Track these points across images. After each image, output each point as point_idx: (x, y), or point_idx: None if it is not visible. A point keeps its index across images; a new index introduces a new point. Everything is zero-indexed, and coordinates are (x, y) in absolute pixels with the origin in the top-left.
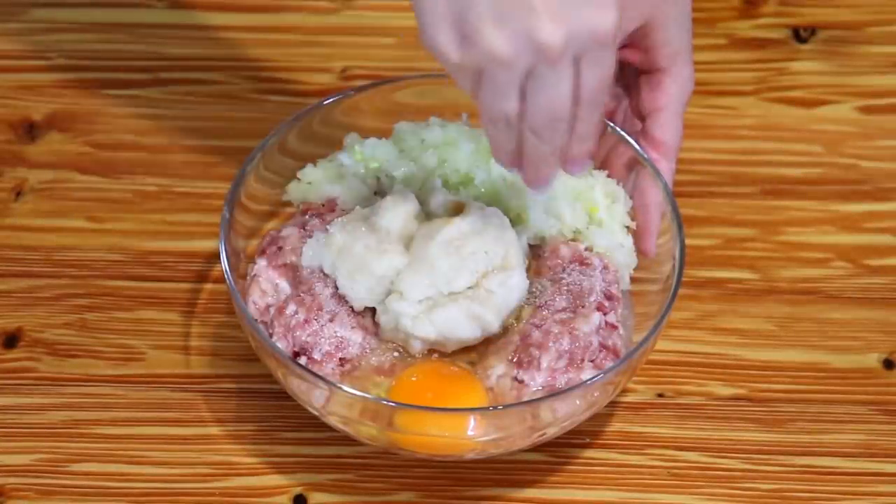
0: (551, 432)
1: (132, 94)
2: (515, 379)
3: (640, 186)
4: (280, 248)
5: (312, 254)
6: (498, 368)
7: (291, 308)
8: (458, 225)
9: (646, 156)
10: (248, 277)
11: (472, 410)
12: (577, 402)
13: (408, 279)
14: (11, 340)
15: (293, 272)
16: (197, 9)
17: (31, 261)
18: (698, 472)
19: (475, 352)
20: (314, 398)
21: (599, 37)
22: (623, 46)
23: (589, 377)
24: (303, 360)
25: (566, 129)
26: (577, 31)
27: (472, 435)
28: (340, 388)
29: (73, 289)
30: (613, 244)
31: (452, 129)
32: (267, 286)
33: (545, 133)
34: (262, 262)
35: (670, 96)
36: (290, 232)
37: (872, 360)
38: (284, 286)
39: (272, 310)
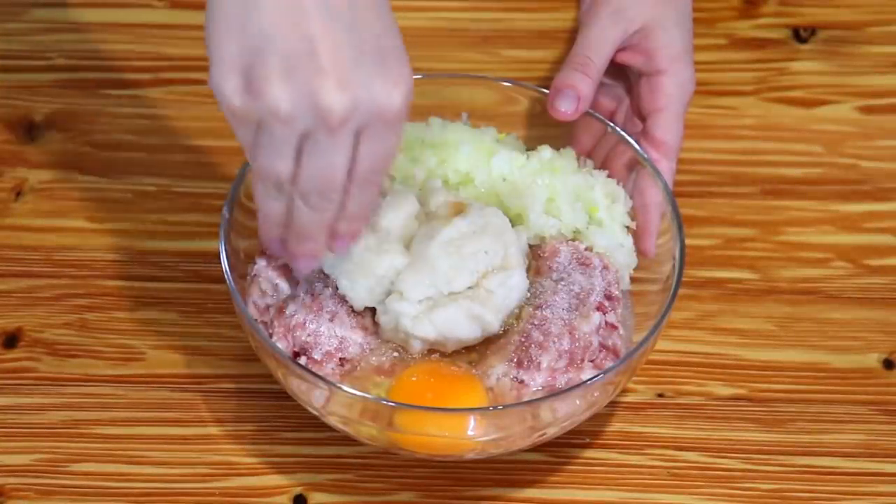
0: (551, 432)
1: (132, 95)
2: (515, 379)
3: (640, 186)
4: None
5: None
6: (498, 368)
7: (291, 308)
8: (458, 225)
9: (646, 156)
10: (248, 277)
11: (472, 410)
12: (577, 402)
13: (408, 279)
14: (11, 340)
15: (293, 272)
16: (197, 9)
17: (31, 261)
18: (698, 472)
19: (475, 352)
20: (314, 398)
21: (385, 114)
22: (623, 49)
23: (589, 377)
24: (303, 360)
25: (337, 201)
26: (363, 103)
27: (472, 435)
28: (340, 388)
29: (72, 289)
30: (613, 244)
31: (452, 129)
32: (267, 286)
33: (314, 201)
34: (262, 262)
35: (670, 97)
36: None
37: (872, 360)
38: (284, 286)
39: (272, 310)
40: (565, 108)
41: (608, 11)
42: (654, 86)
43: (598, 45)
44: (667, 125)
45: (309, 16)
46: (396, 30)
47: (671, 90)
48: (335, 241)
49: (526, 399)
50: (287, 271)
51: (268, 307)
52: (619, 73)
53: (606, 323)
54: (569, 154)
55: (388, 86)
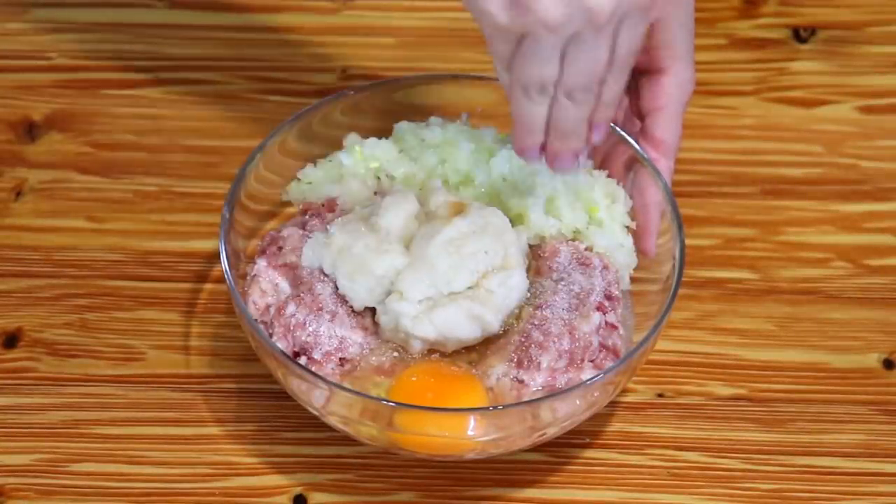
0: (551, 432)
1: (132, 94)
2: (515, 379)
3: (639, 186)
4: (280, 248)
5: (312, 254)
6: (498, 368)
7: (291, 308)
8: (458, 225)
9: (645, 155)
10: (248, 277)
11: (472, 410)
12: (577, 402)
13: (408, 279)
14: (11, 340)
15: (293, 272)
16: (197, 9)
17: (30, 261)
18: (698, 472)
19: (475, 352)
20: (314, 398)
21: (643, 1)
22: None
23: (589, 377)
24: (303, 360)
25: (597, 92)
26: None
27: (471, 435)
28: (340, 387)
29: (72, 289)
30: (613, 244)
31: (452, 129)
32: (267, 286)
33: (580, 96)
34: (262, 262)
35: (670, 96)
36: (291, 232)
37: (872, 360)
38: (284, 286)
39: (272, 310)
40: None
41: None
42: (655, 85)
43: None
44: (666, 124)
45: None
46: None
47: (671, 90)
48: (593, 131)
49: (526, 399)
50: (287, 271)
51: (268, 307)
52: None
53: (606, 323)
54: None
55: None
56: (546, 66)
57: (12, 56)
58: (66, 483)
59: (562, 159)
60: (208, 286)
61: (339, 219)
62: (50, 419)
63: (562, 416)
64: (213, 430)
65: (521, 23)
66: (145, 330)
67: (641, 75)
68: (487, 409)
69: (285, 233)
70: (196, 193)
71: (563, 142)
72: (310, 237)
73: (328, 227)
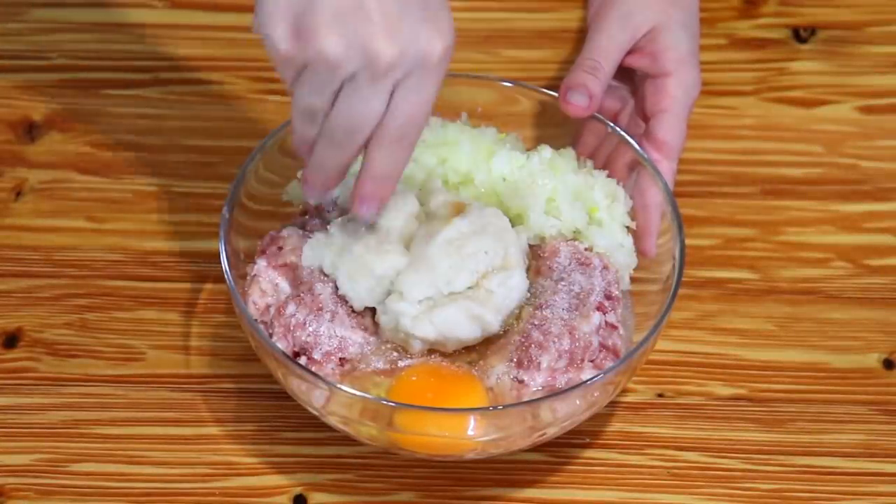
0: (551, 432)
1: (132, 95)
2: (515, 379)
3: (640, 187)
4: (280, 248)
5: (312, 254)
6: (498, 368)
7: (291, 308)
8: (458, 225)
9: (646, 156)
10: (248, 277)
11: (472, 410)
12: (577, 402)
13: (408, 279)
14: (11, 340)
15: (293, 272)
16: (197, 9)
17: (30, 261)
18: (698, 472)
19: (475, 352)
20: (314, 398)
21: (428, 61)
22: (630, 52)
23: (589, 377)
24: (303, 360)
25: (360, 144)
26: (409, 50)
27: (472, 435)
28: (340, 388)
29: (72, 289)
30: (613, 244)
31: (452, 129)
32: (267, 286)
33: (337, 138)
34: (262, 262)
35: (674, 98)
36: (290, 232)
37: (872, 360)
38: (284, 286)
39: (272, 310)
40: (578, 101)
41: (616, 16)
42: (659, 87)
43: (607, 50)
44: (669, 126)
45: None
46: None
47: (675, 92)
48: (362, 204)
49: (526, 399)
50: (287, 271)
51: (268, 307)
52: (625, 75)
53: (606, 323)
54: (569, 154)
55: (433, 33)
56: (315, 97)
57: (12, 56)
58: (66, 483)
59: (310, 186)
60: (208, 286)
61: (339, 219)
62: (50, 419)
63: (562, 416)
64: (213, 430)
65: (303, 54)
66: (145, 330)
67: (646, 77)
68: (487, 408)
69: (285, 233)
70: (196, 193)
71: (314, 172)
72: (310, 237)
73: (328, 227)
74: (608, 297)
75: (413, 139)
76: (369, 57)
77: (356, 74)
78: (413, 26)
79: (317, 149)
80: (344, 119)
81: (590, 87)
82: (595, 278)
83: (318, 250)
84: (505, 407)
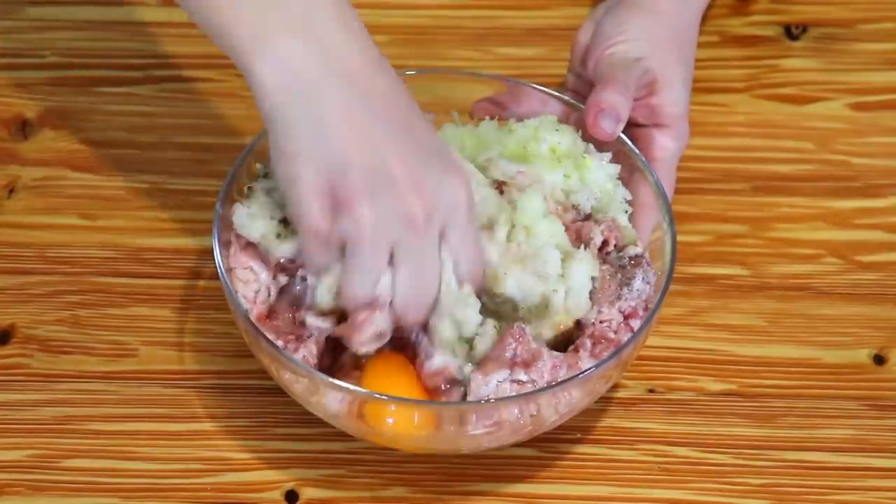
0: (543, 427)
1: (125, 92)
2: (516, 381)
3: (632, 185)
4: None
5: (246, 224)
6: (497, 374)
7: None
8: None
9: (638, 153)
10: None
11: (468, 405)
12: (567, 397)
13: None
14: (4, 337)
15: (256, 249)
16: None
17: (23, 257)
18: (689, 467)
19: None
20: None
21: (459, 207)
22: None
23: (579, 372)
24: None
25: (432, 300)
26: (439, 201)
27: (467, 429)
28: (334, 383)
29: (65, 285)
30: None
31: (445, 128)
32: (244, 274)
33: (412, 314)
34: (234, 251)
35: (667, 150)
36: (235, 208)
37: (863, 355)
38: (258, 268)
39: (259, 298)
40: (608, 127)
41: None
42: (653, 138)
43: (627, 80)
44: (661, 176)
45: (376, 134)
46: (434, 132)
47: (668, 143)
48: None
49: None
50: (253, 251)
51: (256, 294)
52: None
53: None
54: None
55: (454, 181)
56: (370, 282)
57: (5, 54)
58: (58, 479)
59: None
60: (201, 283)
61: (260, 184)
62: (42, 415)
63: (552, 411)
64: (206, 425)
65: (342, 227)
66: (138, 326)
67: (640, 128)
68: (479, 402)
69: (233, 210)
70: (189, 190)
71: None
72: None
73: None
74: (645, 307)
75: (478, 281)
76: (407, 217)
77: (401, 240)
78: (436, 177)
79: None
80: (411, 291)
81: (620, 111)
82: (639, 282)
83: (250, 221)
84: (497, 400)
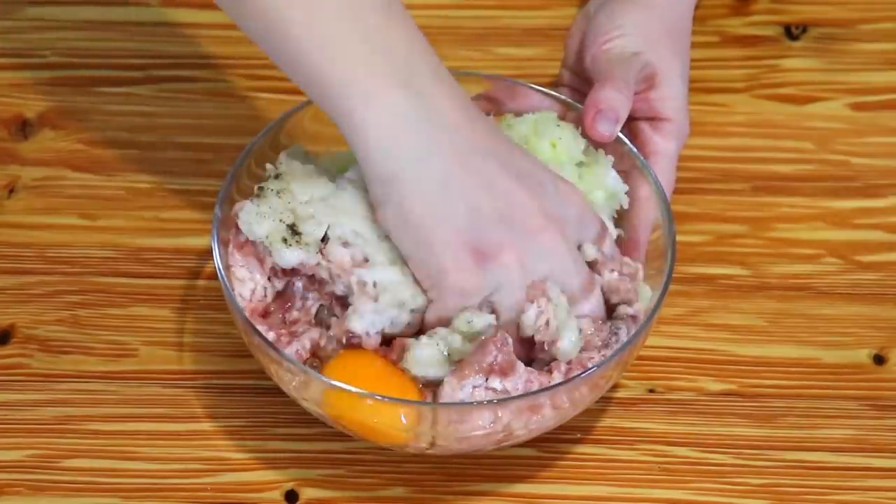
0: (541, 428)
1: (125, 92)
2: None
3: (631, 184)
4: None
5: (251, 225)
6: (472, 380)
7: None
8: None
9: (636, 152)
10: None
11: (475, 405)
12: (568, 396)
13: None
14: (4, 337)
15: (253, 247)
16: (189, 7)
17: (23, 257)
18: (689, 467)
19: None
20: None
21: (584, 215)
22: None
23: (579, 372)
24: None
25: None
26: (562, 215)
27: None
28: (333, 385)
29: (65, 285)
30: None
31: None
32: (242, 273)
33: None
34: (231, 250)
35: (668, 145)
36: (239, 207)
37: (863, 355)
38: (254, 265)
39: (256, 296)
40: (607, 129)
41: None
42: (654, 132)
43: (626, 76)
44: (661, 168)
45: (492, 173)
46: (536, 159)
47: (669, 137)
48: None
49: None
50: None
51: (252, 292)
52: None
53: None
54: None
55: (572, 197)
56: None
57: (5, 54)
58: (57, 479)
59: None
60: (201, 283)
61: (270, 184)
62: (42, 415)
63: (552, 410)
64: (205, 425)
65: (490, 275)
66: (138, 326)
67: (640, 122)
68: (485, 402)
69: (237, 208)
70: (189, 191)
71: None
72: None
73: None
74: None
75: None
76: (524, 227)
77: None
78: (554, 201)
79: None
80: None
81: (619, 111)
82: (624, 335)
83: (256, 220)
84: (500, 401)
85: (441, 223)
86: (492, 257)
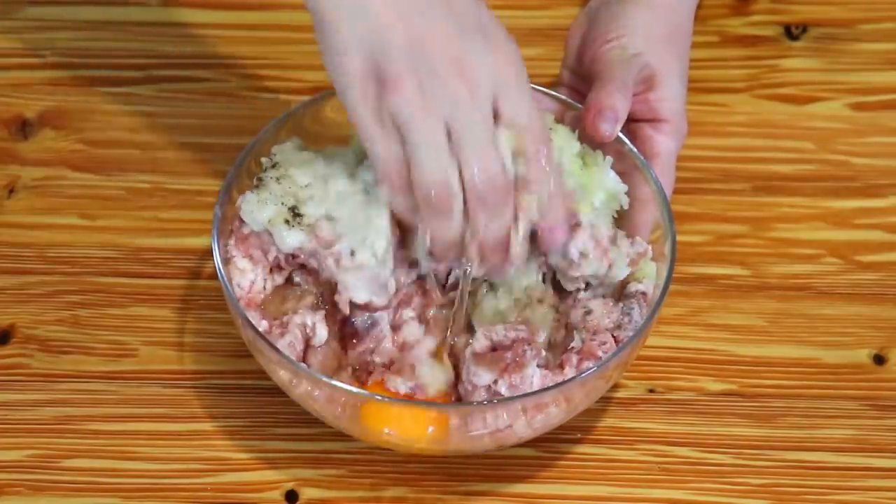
0: (541, 428)
1: (125, 92)
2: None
3: (631, 184)
4: (242, 221)
5: (253, 214)
6: (484, 377)
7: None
8: None
9: (637, 152)
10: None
11: (469, 405)
12: (566, 397)
13: None
14: (4, 337)
15: (257, 238)
16: (189, 6)
17: (23, 257)
18: (689, 467)
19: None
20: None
21: (508, 79)
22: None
23: (579, 373)
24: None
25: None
26: (484, 72)
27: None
28: (334, 384)
29: (65, 285)
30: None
31: None
32: (243, 263)
33: (491, 199)
34: (231, 242)
35: (667, 145)
36: (243, 197)
37: (863, 355)
38: (258, 255)
39: (255, 288)
40: (608, 129)
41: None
42: (652, 133)
43: (626, 77)
44: (660, 171)
45: (415, 10)
46: (486, 7)
47: (667, 138)
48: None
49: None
50: (248, 242)
51: (251, 283)
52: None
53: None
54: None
55: (500, 56)
56: (441, 165)
57: (6, 54)
58: (58, 479)
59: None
60: (201, 283)
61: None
62: (42, 415)
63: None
64: (206, 425)
65: (391, 106)
66: (138, 326)
67: (639, 123)
68: (483, 402)
69: (239, 201)
70: (189, 190)
71: (486, 258)
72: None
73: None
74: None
75: (545, 135)
76: (454, 100)
77: (455, 117)
78: (479, 52)
79: (482, 233)
80: (481, 176)
81: (619, 111)
82: (636, 314)
83: (258, 208)
84: (498, 401)
85: (350, 48)
86: (391, 87)
